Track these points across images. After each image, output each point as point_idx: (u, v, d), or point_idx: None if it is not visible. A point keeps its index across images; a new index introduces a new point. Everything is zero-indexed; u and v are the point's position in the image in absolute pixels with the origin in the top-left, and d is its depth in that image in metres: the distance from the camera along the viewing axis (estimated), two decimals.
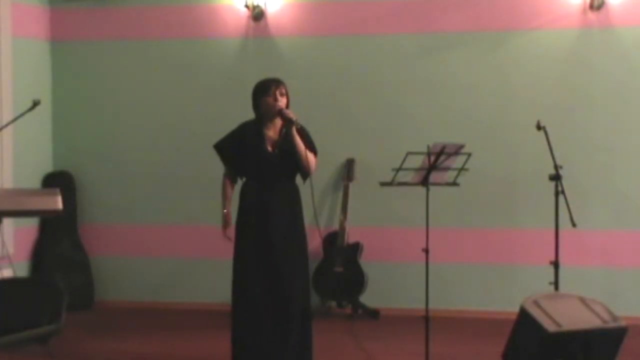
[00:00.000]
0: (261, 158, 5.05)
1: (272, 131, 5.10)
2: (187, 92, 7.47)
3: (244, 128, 5.17)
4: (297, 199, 5.15)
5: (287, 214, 5.08)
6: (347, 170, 7.12)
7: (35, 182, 7.43)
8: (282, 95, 5.05)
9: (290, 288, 5.00)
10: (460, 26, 7.10)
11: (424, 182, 5.29)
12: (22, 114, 5.90)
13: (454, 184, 5.41)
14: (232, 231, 5.13)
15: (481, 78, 7.08)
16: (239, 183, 5.25)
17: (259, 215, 5.04)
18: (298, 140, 5.01)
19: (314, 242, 6.29)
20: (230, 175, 5.23)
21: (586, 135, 6.95)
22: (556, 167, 5.57)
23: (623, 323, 4.74)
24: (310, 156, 5.07)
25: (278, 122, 5.10)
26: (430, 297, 5.37)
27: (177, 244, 7.51)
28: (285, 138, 5.04)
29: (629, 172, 6.92)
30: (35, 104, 5.78)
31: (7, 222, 6.66)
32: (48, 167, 7.60)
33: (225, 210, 5.15)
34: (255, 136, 5.08)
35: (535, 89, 7.01)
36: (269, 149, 5.07)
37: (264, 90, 5.06)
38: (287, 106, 5.07)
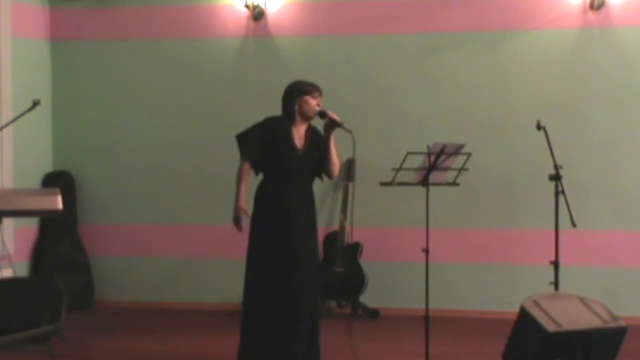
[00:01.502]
0: (290, 156, 5.05)
1: (299, 131, 5.11)
2: (187, 92, 7.47)
3: (270, 123, 5.13)
4: (314, 200, 5.20)
5: (306, 214, 5.11)
6: (347, 170, 7.11)
7: (35, 182, 7.43)
8: (319, 104, 5.11)
9: (304, 288, 5.01)
10: (460, 26, 7.10)
11: (424, 182, 5.29)
12: (22, 114, 5.91)
13: (454, 184, 5.41)
14: (245, 223, 5.08)
15: (481, 78, 7.08)
16: (255, 180, 5.23)
17: (280, 214, 5.03)
18: (333, 143, 5.08)
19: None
20: (251, 167, 5.14)
21: (586, 135, 6.95)
22: (556, 167, 5.57)
23: (623, 323, 4.75)
24: (337, 160, 5.15)
25: (305, 124, 5.12)
26: (430, 297, 5.36)
27: (177, 244, 7.51)
28: (312, 139, 5.09)
29: (629, 171, 6.91)
30: (35, 104, 5.79)
31: (7, 222, 6.66)
32: (48, 167, 7.60)
33: (241, 204, 5.06)
34: (284, 133, 5.07)
35: (535, 89, 7.01)
36: (298, 147, 5.08)
37: (308, 91, 5.07)
38: None
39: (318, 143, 5.11)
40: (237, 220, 5.07)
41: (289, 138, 5.06)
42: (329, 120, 5.05)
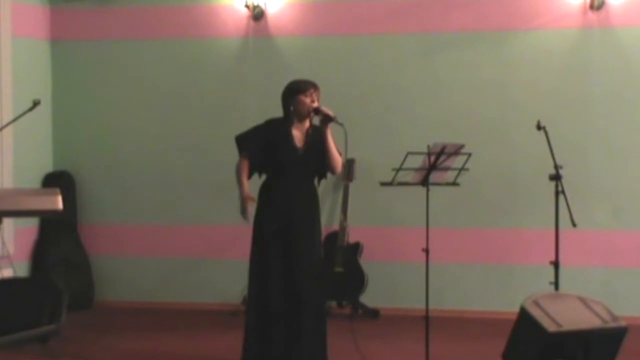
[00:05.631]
0: (289, 156, 5.08)
1: (300, 130, 5.14)
2: (187, 92, 7.47)
3: (271, 124, 5.18)
4: (317, 200, 5.22)
5: (307, 212, 5.13)
6: (347, 170, 7.11)
7: (35, 182, 7.42)
8: (317, 99, 5.10)
9: (305, 286, 5.04)
10: (460, 26, 7.10)
11: (424, 182, 5.30)
12: (22, 114, 5.92)
13: (454, 184, 5.41)
14: (251, 211, 5.11)
15: (481, 78, 7.08)
16: (257, 180, 5.26)
17: (281, 213, 5.07)
18: (330, 139, 5.07)
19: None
20: (250, 166, 5.18)
21: (586, 135, 6.95)
22: (556, 167, 5.57)
23: (623, 323, 4.74)
24: (339, 155, 5.14)
25: (306, 122, 5.14)
26: (430, 297, 5.37)
27: (177, 244, 7.51)
28: (313, 138, 5.09)
29: (628, 172, 6.91)
30: (35, 104, 5.80)
31: (7, 222, 6.66)
32: (48, 167, 7.60)
33: (246, 192, 5.10)
34: (284, 134, 5.10)
35: (535, 89, 7.01)
36: (298, 147, 5.10)
37: (301, 90, 5.09)
38: None
39: (320, 141, 5.11)
40: (243, 211, 5.10)
41: (289, 138, 5.10)
42: (322, 115, 5.06)
